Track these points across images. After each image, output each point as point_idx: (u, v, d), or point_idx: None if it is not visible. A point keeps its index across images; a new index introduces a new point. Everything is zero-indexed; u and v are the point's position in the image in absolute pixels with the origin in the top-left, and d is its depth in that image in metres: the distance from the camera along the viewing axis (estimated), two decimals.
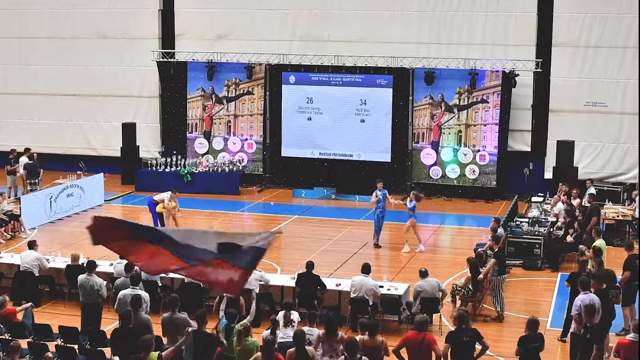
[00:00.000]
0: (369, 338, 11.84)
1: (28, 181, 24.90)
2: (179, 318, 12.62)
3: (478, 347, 11.95)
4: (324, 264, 19.13)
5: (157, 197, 21.76)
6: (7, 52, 30.82)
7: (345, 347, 11.31)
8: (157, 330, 12.77)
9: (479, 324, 15.32)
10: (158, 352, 11.29)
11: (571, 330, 13.27)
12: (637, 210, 21.58)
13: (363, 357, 11.27)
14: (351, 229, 22.53)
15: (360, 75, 27.02)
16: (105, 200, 25.70)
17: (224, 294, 13.73)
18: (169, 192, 21.69)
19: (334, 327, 12.04)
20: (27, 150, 25.75)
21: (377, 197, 20.93)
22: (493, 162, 26.46)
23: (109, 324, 14.52)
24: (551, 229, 20.13)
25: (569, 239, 19.58)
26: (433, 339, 11.80)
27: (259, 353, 11.37)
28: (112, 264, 16.68)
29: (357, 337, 11.78)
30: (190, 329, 11.95)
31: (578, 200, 21.76)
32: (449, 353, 11.68)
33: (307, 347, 11.51)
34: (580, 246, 17.34)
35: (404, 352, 11.79)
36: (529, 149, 26.91)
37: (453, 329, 12.34)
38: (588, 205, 21.33)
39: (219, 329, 12.36)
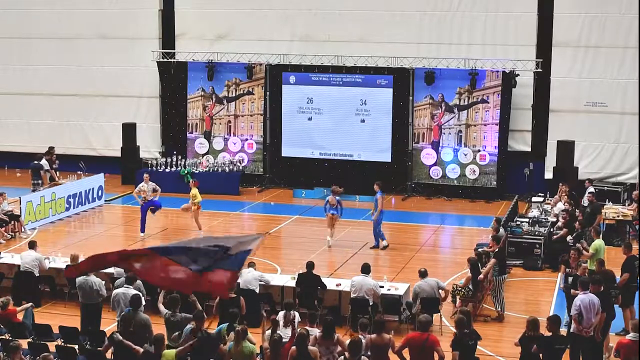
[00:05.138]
0: (377, 336, 11.83)
1: (32, 182, 25.04)
2: (180, 317, 12.75)
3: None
4: (324, 264, 19.16)
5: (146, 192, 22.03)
6: (7, 52, 30.82)
7: (349, 346, 11.30)
8: (157, 329, 12.77)
9: (479, 323, 15.32)
10: (175, 351, 11.47)
11: (571, 330, 13.27)
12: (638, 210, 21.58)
13: (363, 358, 11.26)
14: (351, 229, 22.53)
15: (360, 75, 27.01)
16: (105, 201, 25.70)
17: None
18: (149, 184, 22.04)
19: (331, 330, 12.02)
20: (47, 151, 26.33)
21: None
22: (493, 162, 26.45)
23: (109, 324, 14.53)
24: (551, 229, 20.12)
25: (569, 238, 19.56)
26: (436, 339, 11.79)
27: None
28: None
29: (364, 336, 11.77)
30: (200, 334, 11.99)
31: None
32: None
33: (310, 347, 11.50)
34: (578, 244, 17.34)
35: (405, 353, 11.78)
36: (529, 149, 26.91)
37: (455, 332, 12.31)
38: (587, 203, 21.37)
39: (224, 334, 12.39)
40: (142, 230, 21.99)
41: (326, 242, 20.99)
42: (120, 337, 11.96)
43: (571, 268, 15.30)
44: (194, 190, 21.94)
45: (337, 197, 21.09)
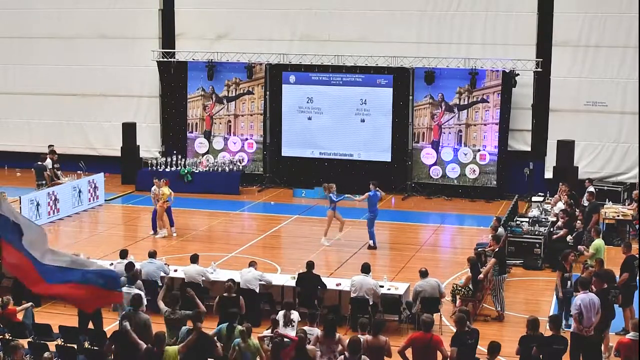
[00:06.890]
0: (373, 337, 11.82)
1: (36, 182, 25.04)
2: (180, 314, 12.84)
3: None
4: (324, 263, 19.17)
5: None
6: (7, 52, 30.80)
7: (348, 346, 11.30)
8: (157, 329, 12.75)
9: (480, 323, 15.31)
10: (177, 347, 11.54)
11: (571, 330, 13.27)
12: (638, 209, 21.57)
13: (363, 357, 11.25)
14: (351, 229, 22.51)
15: (360, 75, 27.01)
16: (105, 200, 25.70)
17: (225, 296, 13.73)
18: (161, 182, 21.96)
19: (333, 329, 12.03)
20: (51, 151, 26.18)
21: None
22: (493, 162, 26.45)
23: (109, 323, 14.51)
24: (551, 229, 20.11)
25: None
26: (440, 340, 11.80)
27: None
28: (112, 264, 16.67)
29: (362, 337, 11.76)
30: (199, 324, 12.00)
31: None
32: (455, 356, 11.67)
33: (308, 347, 11.51)
34: (580, 247, 17.35)
35: (408, 353, 11.76)
36: (529, 149, 26.91)
37: (455, 330, 12.32)
38: (587, 203, 21.36)
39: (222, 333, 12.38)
40: (155, 230, 21.91)
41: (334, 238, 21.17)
42: (128, 327, 11.91)
43: (569, 273, 15.30)
44: (165, 189, 21.78)
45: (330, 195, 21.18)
